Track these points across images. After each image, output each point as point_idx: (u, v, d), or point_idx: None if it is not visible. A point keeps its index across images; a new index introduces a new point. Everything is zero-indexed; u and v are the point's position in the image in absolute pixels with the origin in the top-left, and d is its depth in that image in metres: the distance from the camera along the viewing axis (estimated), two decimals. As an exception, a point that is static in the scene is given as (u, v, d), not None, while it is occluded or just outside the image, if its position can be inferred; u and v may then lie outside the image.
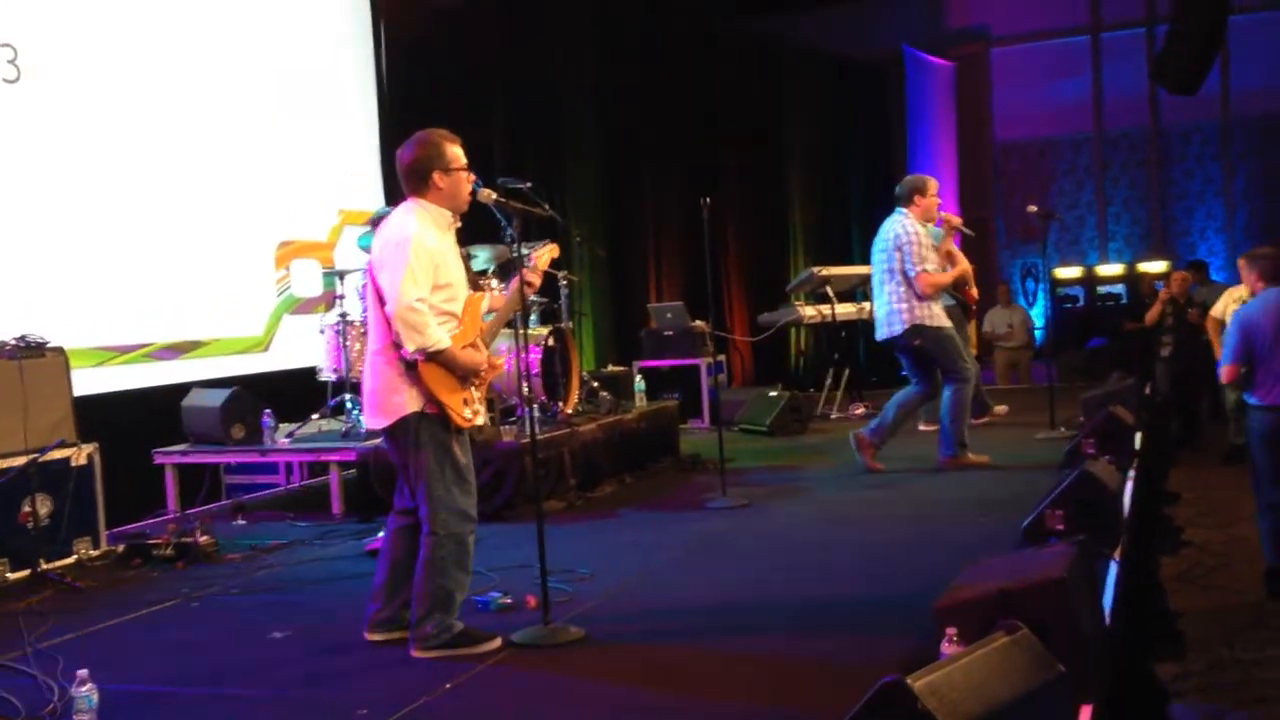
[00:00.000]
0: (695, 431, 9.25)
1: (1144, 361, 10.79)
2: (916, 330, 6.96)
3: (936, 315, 7.03)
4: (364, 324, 6.67)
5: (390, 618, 4.07)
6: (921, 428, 9.00)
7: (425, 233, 3.87)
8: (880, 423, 7.16)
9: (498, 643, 3.93)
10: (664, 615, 4.31)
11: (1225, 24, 13.21)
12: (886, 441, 7.16)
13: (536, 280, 4.33)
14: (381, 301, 3.88)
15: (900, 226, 7.03)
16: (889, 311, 7.04)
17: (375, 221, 6.19)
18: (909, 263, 6.92)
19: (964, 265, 7.62)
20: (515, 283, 4.29)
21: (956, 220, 7.96)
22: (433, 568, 3.90)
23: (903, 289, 6.97)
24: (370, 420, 4.06)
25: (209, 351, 7.77)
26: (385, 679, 3.73)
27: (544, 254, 4.50)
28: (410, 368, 3.86)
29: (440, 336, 3.83)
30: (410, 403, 3.88)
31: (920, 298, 6.94)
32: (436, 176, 3.95)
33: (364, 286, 4.12)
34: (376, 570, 4.15)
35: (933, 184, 7.23)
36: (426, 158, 3.95)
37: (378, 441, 5.71)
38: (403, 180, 4.02)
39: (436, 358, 3.85)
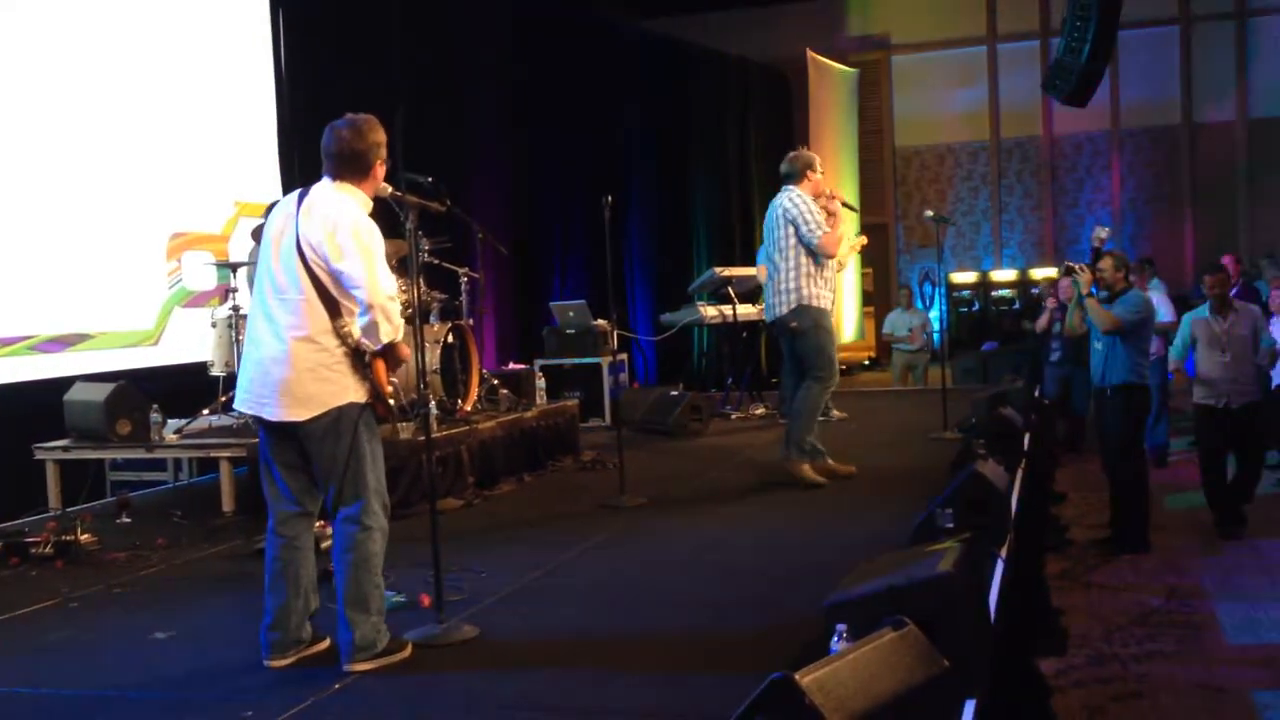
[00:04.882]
0: (596, 430, 9.25)
1: (1034, 365, 11.09)
2: (801, 312, 6.64)
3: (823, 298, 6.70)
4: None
5: (297, 639, 3.81)
6: (837, 414, 9.23)
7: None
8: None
9: (410, 649, 3.84)
10: (559, 614, 4.30)
11: (1115, 38, 13.65)
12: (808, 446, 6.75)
13: None
14: (316, 284, 3.67)
15: (788, 199, 6.75)
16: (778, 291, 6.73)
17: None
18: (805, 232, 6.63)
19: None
20: None
21: (842, 197, 7.49)
22: (366, 566, 3.72)
23: (793, 266, 6.66)
24: (284, 411, 3.70)
25: (96, 344, 7.54)
26: (271, 680, 3.65)
27: None
28: (357, 357, 3.74)
29: (402, 326, 3.79)
30: (349, 393, 3.73)
31: (808, 275, 6.65)
32: (378, 165, 3.86)
33: (273, 265, 3.78)
34: (274, 591, 3.80)
35: (819, 161, 7.00)
36: (376, 144, 3.83)
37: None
38: (340, 161, 3.79)
39: (391, 348, 3.79)
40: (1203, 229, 16.67)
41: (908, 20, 17.81)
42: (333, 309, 3.71)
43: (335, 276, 3.69)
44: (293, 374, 3.69)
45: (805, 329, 6.66)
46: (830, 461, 6.80)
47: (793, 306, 6.66)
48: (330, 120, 3.89)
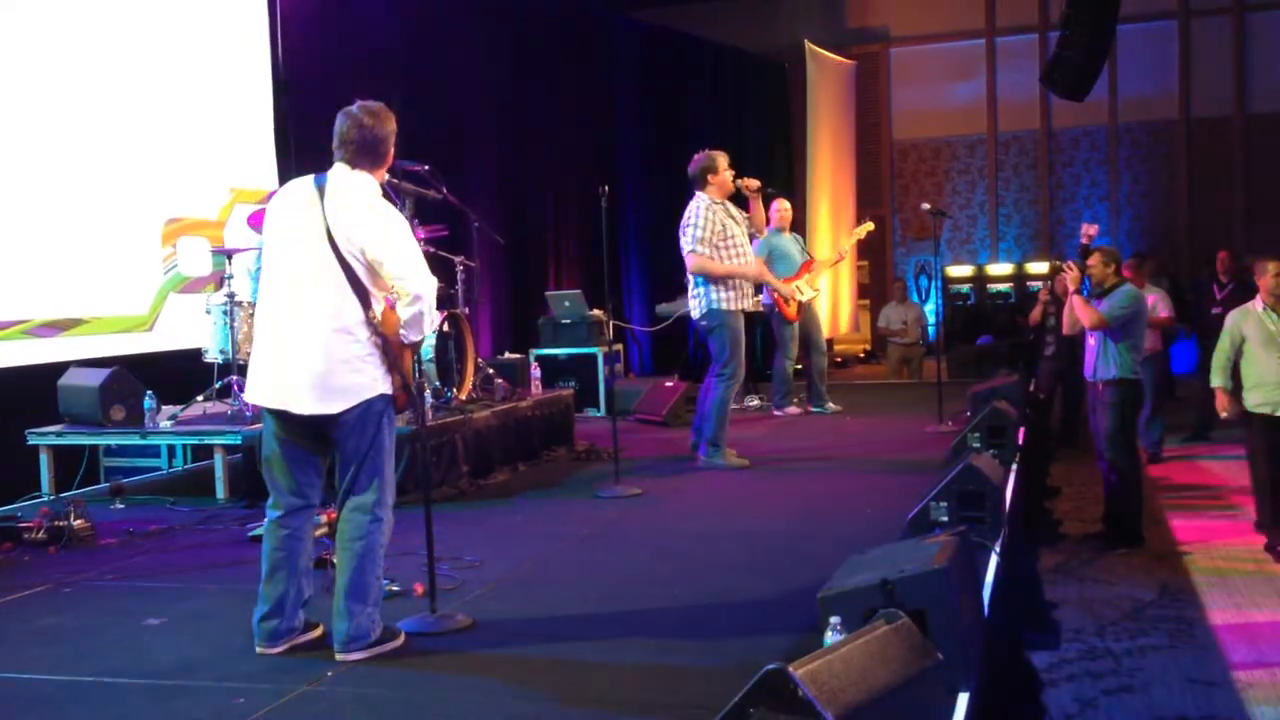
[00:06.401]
0: (591, 420, 9.24)
1: (1029, 359, 11.09)
2: (710, 315, 6.95)
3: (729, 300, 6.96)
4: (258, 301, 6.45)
5: (290, 627, 3.79)
6: (833, 406, 9.27)
7: None
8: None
9: (403, 639, 3.84)
10: (553, 604, 4.29)
11: (1113, 32, 13.64)
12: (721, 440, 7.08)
13: None
14: (349, 274, 3.63)
15: (690, 207, 7.02)
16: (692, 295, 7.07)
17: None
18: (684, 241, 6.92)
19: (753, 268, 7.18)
20: None
21: (754, 184, 7.60)
22: (371, 556, 3.71)
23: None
24: (317, 405, 3.65)
25: (90, 330, 7.51)
26: (264, 667, 3.64)
27: None
28: (385, 349, 3.71)
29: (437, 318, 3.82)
30: (378, 384, 3.71)
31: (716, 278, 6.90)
32: (390, 154, 3.86)
33: (295, 254, 3.74)
34: (271, 581, 3.76)
35: (722, 159, 7.09)
36: (393, 132, 3.82)
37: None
38: (360, 148, 3.75)
39: (419, 341, 3.79)
40: (1199, 224, 16.67)
41: (906, 12, 17.77)
42: (364, 299, 3.68)
43: (373, 266, 3.67)
44: (327, 366, 3.65)
45: (713, 328, 6.96)
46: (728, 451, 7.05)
47: (704, 310, 6.99)
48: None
